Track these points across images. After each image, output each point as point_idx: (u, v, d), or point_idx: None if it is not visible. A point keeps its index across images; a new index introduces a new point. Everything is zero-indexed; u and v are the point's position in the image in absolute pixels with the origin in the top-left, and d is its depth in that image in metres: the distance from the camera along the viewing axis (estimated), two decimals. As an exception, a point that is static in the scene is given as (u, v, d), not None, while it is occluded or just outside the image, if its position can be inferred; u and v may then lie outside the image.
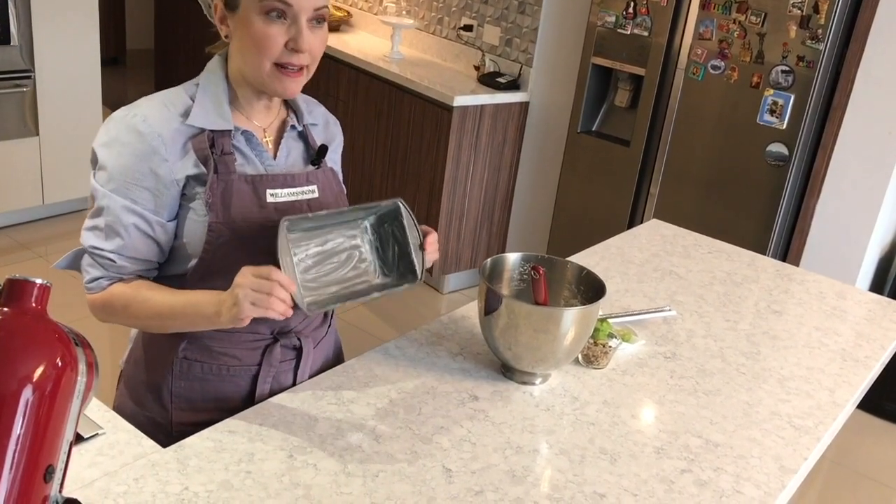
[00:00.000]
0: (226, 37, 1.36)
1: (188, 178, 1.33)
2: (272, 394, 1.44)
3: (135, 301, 1.34)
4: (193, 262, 1.36)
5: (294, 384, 1.48)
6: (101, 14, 4.09)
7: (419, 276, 1.48)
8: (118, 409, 1.49)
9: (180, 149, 1.33)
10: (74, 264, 1.39)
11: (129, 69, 7.09)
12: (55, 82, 3.97)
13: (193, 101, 1.35)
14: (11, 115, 3.88)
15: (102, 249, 1.33)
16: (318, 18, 1.33)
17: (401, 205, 1.48)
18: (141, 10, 7.11)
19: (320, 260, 1.41)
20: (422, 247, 1.48)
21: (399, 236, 1.49)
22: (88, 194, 1.37)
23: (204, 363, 1.42)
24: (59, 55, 3.95)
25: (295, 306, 1.26)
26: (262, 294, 1.21)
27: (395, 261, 1.50)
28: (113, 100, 3.69)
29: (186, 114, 1.34)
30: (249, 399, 1.44)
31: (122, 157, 1.31)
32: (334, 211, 1.40)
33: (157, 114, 1.32)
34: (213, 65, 1.40)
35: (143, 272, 1.38)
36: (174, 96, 1.36)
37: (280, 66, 1.32)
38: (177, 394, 1.43)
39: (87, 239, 1.35)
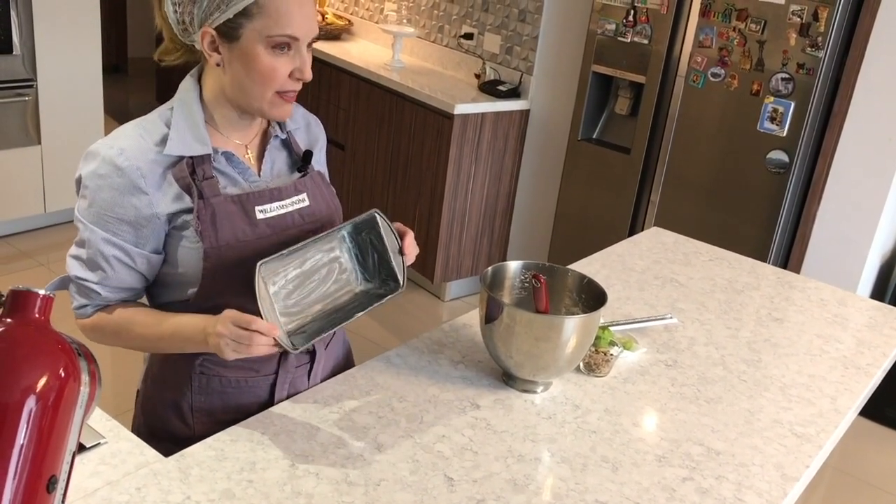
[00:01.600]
0: (217, 64, 1.31)
1: (171, 213, 1.32)
2: (289, 399, 1.45)
3: (123, 331, 1.37)
4: (193, 289, 1.36)
5: (309, 387, 1.49)
6: (102, 22, 4.10)
7: (401, 282, 1.49)
8: (138, 428, 1.50)
9: (159, 179, 1.31)
10: (63, 286, 1.40)
11: (131, 77, 7.11)
12: (57, 91, 3.99)
13: (169, 128, 1.33)
14: (13, 124, 3.89)
15: (86, 280, 1.34)
16: (312, 43, 1.34)
17: (377, 215, 1.48)
18: (142, 17, 7.12)
19: (301, 282, 1.41)
20: (401, 251, 1.49)
21: (377, 244, 1.49)
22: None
23: (222, 377, 1.43)
24: (61, 64, 3.96)
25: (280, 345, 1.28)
26: (242, 344, 1.24)
27: (376, 267, 1.50)
28: (114, 108, 3.70)
29: (164, 142, 1.31)
30: (268, 406, 1.45)
31: (101, 190, 1.29)
32: (309, 240, 1.39)
33: (134, 146, 1.30)
34: (187, 85, 1.37)
35: (129, 298, 1.39)
36: (150, 125, 1.34)
37: (280, 93, 1.32)
38: (197, 408, 1.44)
39: (72, 268, 1.35)
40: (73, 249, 1.35)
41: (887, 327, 1.99)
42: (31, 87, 3.89)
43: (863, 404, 1.70)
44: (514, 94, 3.88)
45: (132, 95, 6.67)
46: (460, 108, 3.62)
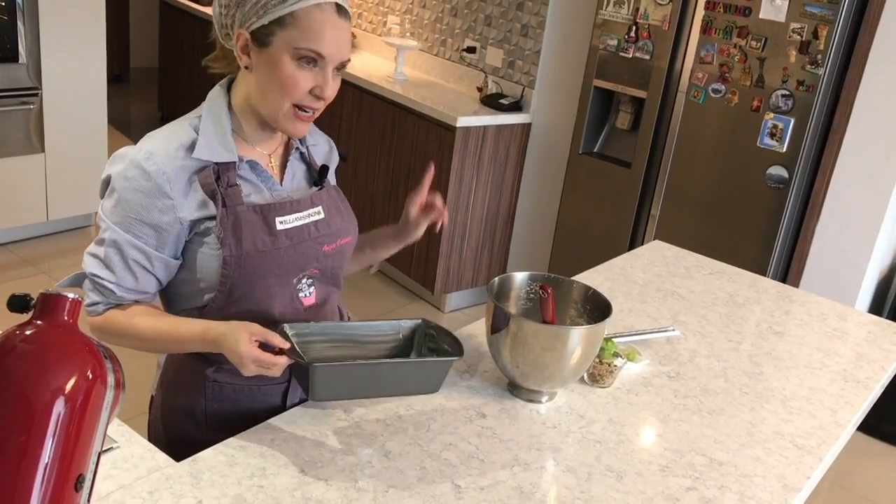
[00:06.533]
0: (245, 67, 1.36)
1: (194, 220, 1.35)
2: (297, 405, 1.47)
3: (126, 330, 1.37)
4: (210, 295, 1.38)
5: None
6: (105, 31, 4.13)
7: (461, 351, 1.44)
8: (153, 433, 1.51)
9: (185, 185, 1.34)
10: (76, 282, 1.41)
11: (133, 87, 7.14)
12: (61, 100, 4.01)
13: (198, 134, 1.36)
14: (18, 132, 3.91)
15: (102, 278, 1.35)
16: (340, 67, 1.37)
17: (426, 325, 1.51)
18: (145, 27, 7.17)
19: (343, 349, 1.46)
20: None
21: (431, 345, 1.50)
22: (95, 213, 1.40)
23: (235, 384, 1.44)
24: (66, 73, 3.99)
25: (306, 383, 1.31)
26: (263, 369, 1.28)
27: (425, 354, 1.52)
28: (116, 117, 3.71)
29: (192, 147, 1.34)
30: (280, 412, 1.46)
31: (126, 192, 1.32)
32: (361, 322, 1.44)
33: (162, 150, 1.33)
34: (216, 94, 1.41)
35: (141, 300, 1.40)
36: (179, 130, 1.37)
37: (297, 108, 1.35)
38: (210, 415, 1.45)
39: (89, 265, 1.37)
40: (92, 247, 1.37)
41: (886, 342, 2.01)
42: (35, 95, 3.91)
43: (862, 417, 1.72)
44: (516, 107, 3.91)
45: (134, 105, 6.69)
46: (462, 121, 3.65)
